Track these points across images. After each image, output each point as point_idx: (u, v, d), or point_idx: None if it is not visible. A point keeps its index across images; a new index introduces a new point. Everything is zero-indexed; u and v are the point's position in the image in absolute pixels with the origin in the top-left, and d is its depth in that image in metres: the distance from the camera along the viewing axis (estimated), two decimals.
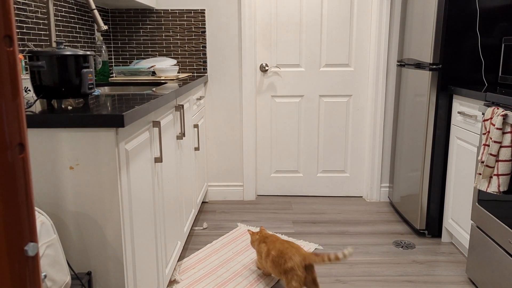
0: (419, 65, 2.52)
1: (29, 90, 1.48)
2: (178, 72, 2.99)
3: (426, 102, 2.41)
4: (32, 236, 0.40)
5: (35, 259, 0.40)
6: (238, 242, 2.44)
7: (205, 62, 3.00)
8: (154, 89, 1.89)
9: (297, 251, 1.80)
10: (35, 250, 0.40)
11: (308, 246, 2.38)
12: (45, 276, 0.93)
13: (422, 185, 2.47)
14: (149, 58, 2.99)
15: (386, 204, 3.05)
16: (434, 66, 2.35)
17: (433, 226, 2.50)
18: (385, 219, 2.79)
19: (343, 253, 1.69)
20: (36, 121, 1.13)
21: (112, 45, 3.00)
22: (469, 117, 2.15)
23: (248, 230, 2.13)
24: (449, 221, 2.39)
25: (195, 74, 2.95)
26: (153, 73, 2.76)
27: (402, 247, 2.40)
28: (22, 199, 0.39)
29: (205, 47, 2.98)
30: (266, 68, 3.05)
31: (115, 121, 1.13)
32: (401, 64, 2.83)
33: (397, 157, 2.88)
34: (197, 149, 2.54)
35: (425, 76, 2.41)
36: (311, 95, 3.10)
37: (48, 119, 1.13)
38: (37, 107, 1.27)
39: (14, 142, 0.38)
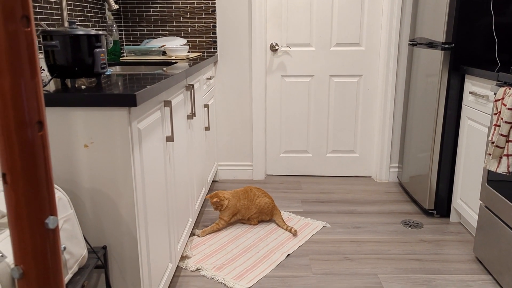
0: (431, 45, 2.48)
1: (43, 70, 1.49)
2: (188, 52, 2.98)
3: (438, 82, 2.38)
4: (52, 210, 0.42)
5: (55, 231, 0.42)
6: (246, 226, 2.48)
7: (215, 41, 2.98)
8: (164, 68, 1.89)
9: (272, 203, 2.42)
10: (55, 223, 0.42)
11: (316, 224, 2.40)
12: (65, 248, 0.96)
13: (431, 165, 2.47)
14: (159, 37, 2.98)
15: (395, 184, 3.05)
16: (447, 46, 2.31)
17: (441, 206, 2.50)
18: (393, 199, 2.79)
19: (294, 232, 2.28)
20: (52, 100, 1.15)
21: (123, 25, 3.00)
22: (481, 97, 2.12)
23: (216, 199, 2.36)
24: (457, 201, 2.39)
25: (205, 54, 2.93)
26: (164, 53, 2.76)
27: (410, 226, 2.40)
28: (42, 174, 0.41)
29: (215, 26, 2.96)
30: (276, 47, 3.02)
31: (127, 101, 1.14)
32: (413, 43, 2.79)
33: (407, 138, 2.87)
34: (207, 129, 2.55)
35: (437, 56, 2.38)
36: (321, 75, 3.07)
37: (63, 98, 1.15)
38: (52, 87, 1.28)
39: (33, 120, 0.40)
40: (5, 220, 0.92)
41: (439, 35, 2.37)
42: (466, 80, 2.32)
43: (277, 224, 2.42)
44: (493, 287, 1.84)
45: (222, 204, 2.33)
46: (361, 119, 3.13)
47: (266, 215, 2.41)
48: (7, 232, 0.90)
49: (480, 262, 2.03)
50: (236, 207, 2.36)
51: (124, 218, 1.25)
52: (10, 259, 0.86)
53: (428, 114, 2.51)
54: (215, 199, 2.34)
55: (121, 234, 1.26)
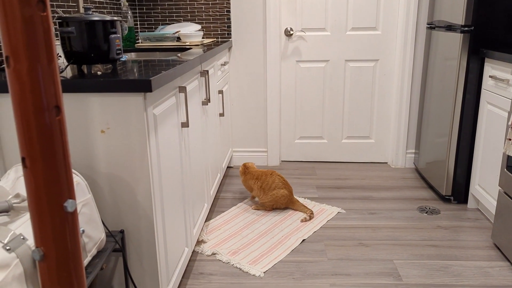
0: (450, 27, 2.42)
1: (60, 56, 1.50)
2: (203, 38, 2.97)
3: (456, 66, 2.32)
4: (70, 193, 0.42)
5: (74, 215, 0.43)
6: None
7: (229, 27, 2.96)
8: (179, 54, 1.88)
9: (287, 189, 2.38)
10: (73, 206, 0.42)
11: (331, 210, 2.38)
12: (83, 231, 0.98)
13: (449, 151, 2.43)
14: (174, 23, 2.97)
15: (411, 170, 3.01)
16: (466, 28, 2.25)
17: (459, 192, 2.46)
18: (410, 185, 2.75)
19: (305, 218, 2.26)
20: (68, 86, 1.15)
21: (137, 11, 2.99)
22: (501, 81, 2.07)
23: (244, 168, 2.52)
24: (476, 187, 2.35)
25: (219, 39, 2.91)
26: (178, 39, 2.75)
27: (426, 212, 2.37)
28: (60, 158, 0.41)
29: (229, 11, 2.93)
30: (291, 32, 2.97)
31: (143, 86, 1.14)
32: (431, 26, 2.72)
33: (424, 123, 2.82)
34: (222, 115, 2.55)
35: (456, 39, 2.32)
36: (337, 60, 3.01)
37: (79, 84, 1.15)
38: (68, 73, 1.28)
39: (51, 105, 0.40)
40: (25, 204, 0.95)
41: (458, 18, 2.31)
42: (485, 63, 2.26)
43: (294, 210, 2.45)
44: (511, 274, 1.82)
45: (246, 172, 2.47)
46: (377, 105, 3.08)
47: (281, 204, 2.41)
48: (27, 216, 0.93)
49: (498, 248, 2.01)
50: (249, 184, 2.45)
51: (141, 202, 1.26)
52: (31, 241, 0.88)
53: (446, 99, 2.46)
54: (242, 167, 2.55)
55: (138, 218, 1.27)
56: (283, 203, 2.40)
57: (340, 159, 3.21)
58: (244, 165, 2.53)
